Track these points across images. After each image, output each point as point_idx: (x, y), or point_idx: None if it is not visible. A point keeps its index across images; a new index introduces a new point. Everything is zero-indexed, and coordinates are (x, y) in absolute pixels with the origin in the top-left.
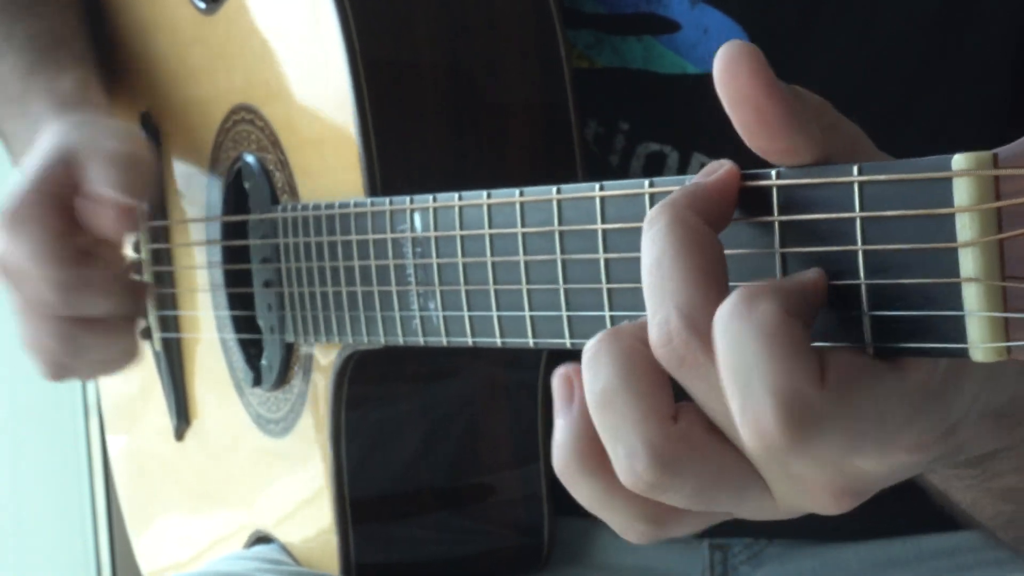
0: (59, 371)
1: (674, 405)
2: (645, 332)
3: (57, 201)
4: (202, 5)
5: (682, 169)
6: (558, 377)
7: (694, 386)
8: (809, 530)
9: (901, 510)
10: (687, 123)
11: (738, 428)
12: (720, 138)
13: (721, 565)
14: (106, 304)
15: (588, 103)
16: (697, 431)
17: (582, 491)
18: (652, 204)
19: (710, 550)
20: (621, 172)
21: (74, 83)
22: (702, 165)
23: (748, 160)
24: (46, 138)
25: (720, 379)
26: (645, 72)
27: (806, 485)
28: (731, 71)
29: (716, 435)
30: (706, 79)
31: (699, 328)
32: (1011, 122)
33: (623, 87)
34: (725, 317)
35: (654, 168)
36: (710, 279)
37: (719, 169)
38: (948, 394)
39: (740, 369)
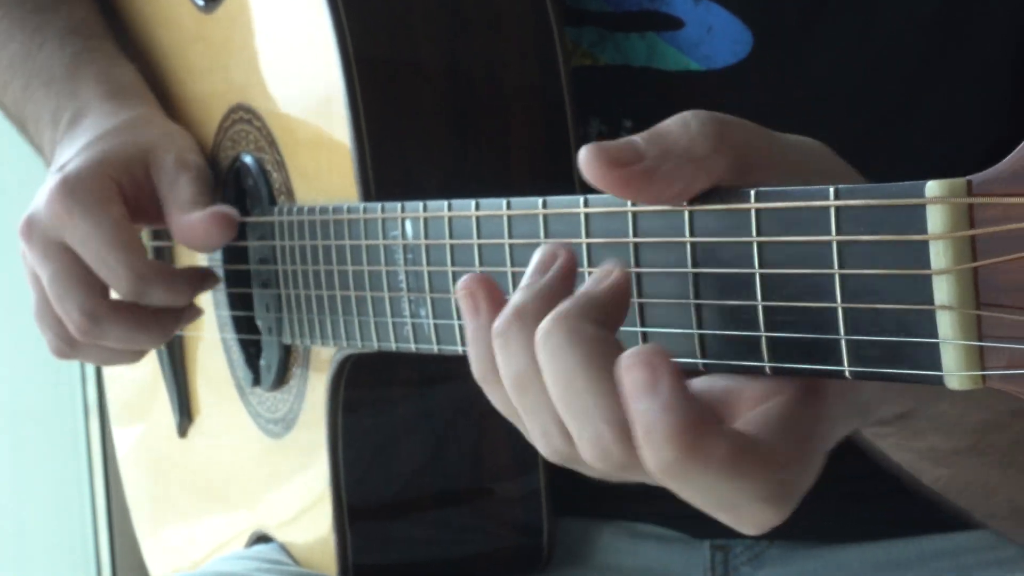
0: (69, 351)
1: None
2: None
3: (124, 185)
4: (201, 3)
5: None
6: (461, 292)
7: (633, 476)
8: (811, 531)
9: (902, 511)
10: None
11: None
12: None
13: (722, 566)
14: (170, 298)
15: (592, 101)
16: None
17: (498, 396)
18: (635, 221)
19: (711, 551)
20: None
21: (133, 75)
22: None
23: None
24: (108, 121)
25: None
26: (648, 69)
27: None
28: (588, 171)
29: None
30: (709, 77)
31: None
32: (1011, 122)
33: (626, 85)
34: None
35: None
36: None
37: (610, 276)
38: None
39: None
